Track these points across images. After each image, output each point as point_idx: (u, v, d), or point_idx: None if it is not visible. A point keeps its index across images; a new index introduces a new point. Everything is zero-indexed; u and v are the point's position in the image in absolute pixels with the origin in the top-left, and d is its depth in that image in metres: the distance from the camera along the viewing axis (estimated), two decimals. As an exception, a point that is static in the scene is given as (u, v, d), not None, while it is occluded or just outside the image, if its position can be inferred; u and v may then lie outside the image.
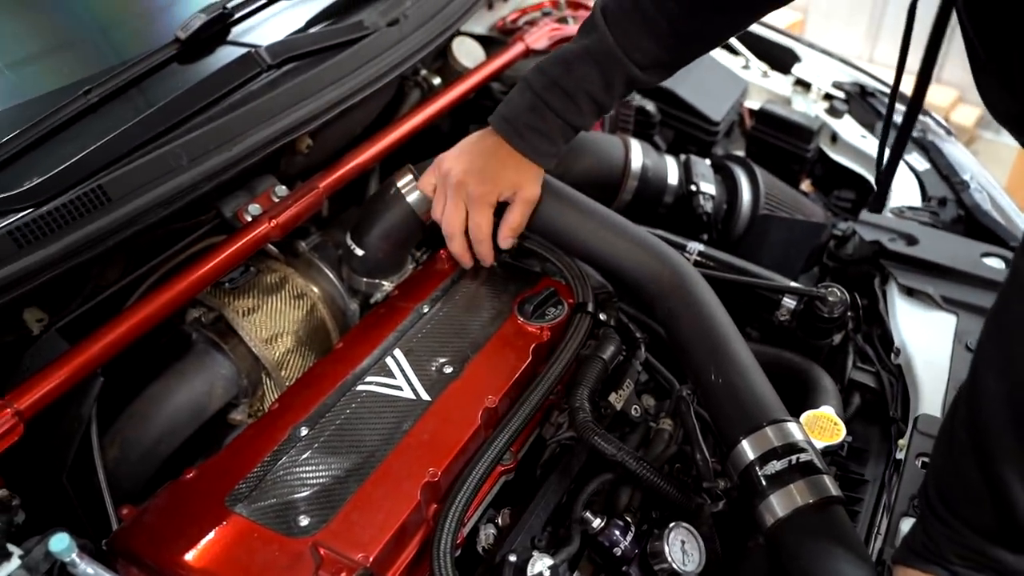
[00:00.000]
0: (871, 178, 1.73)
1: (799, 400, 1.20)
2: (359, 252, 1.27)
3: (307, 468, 0.96)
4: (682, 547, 0.99)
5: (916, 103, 1.15)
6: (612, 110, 1.54)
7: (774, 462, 0.95)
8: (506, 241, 1.21)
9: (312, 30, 1.41)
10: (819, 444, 1.07)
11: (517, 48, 1.65)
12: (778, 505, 0.93)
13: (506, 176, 1.17)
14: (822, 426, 1.11)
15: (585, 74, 1.12)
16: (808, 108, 1.86)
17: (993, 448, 0.77)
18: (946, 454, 0.85)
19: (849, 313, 1.30)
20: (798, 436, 0.98)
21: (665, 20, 1.09)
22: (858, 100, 1.85)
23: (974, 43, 0.83)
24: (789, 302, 1.30)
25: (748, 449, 0.97)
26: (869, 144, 1.76)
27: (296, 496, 0.93)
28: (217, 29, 1.33)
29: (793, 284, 1.31)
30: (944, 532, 0.84)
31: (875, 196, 1.45)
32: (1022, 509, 0.76)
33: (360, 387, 1.06)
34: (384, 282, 1.31)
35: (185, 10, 1.38)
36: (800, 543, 0.91)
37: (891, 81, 1.28)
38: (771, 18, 1.10)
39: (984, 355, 0.81)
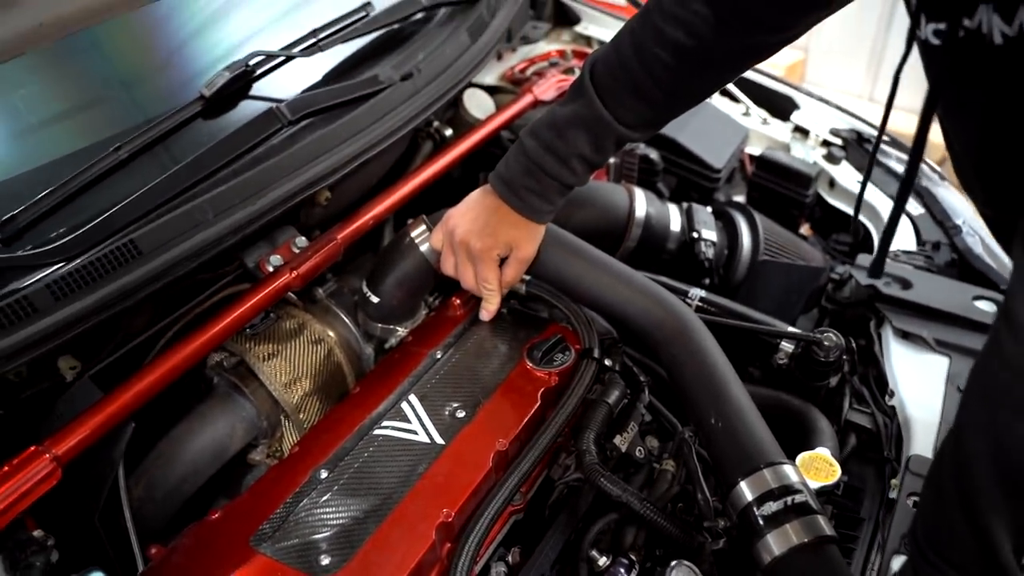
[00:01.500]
0: (868, 223, 1.78)
1: (797, 441, 1.24)
2: (374, 299, 1.33)
3: (328, 509, 1.01)
4: (684, 584, 1.04)
5: (911, 171, 1.21)
6: (613, 159, 1.61)
7: (771, 503, 1.00)
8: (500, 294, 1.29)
9: (330, 86, 1.47)
10: (815, 484, 1.12)
11: (526, 100, 1.72)
12: (774, 544, 0.97)
13: (505, 232, 1.23)
14: (818, 467, 1.16)
15: (576, 138, 1.18)
16: (807, 155, 1.92)
17: (980, 503, 0.81)
18: (934, 502, 0.90)
19: (844, 356, 1.35)
20: (793, 478, 1.02)
21: (652, 79, 1.13)
22: (855, 147, 1.91)
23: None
24: (787, 346, 1.35)
25: (746, 490, 1.02)
26: (867, 190, 1.82)
27: (317, 536, 0.97)
28: (240, 86, 1.40)
29: (790, 329, 1.36)
30: (932, 574, 0.88)
31: (875, 261, 1.50)
32: (1006, 558, 0.81)
33: (377, 431, 1.11)
34: (399, 328, 1.37)
35: (209, 66, 1.46)
36: (795, 580, 0.96)
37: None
38: (773, 57, 1.15)
39: (969, 413, 0.85)
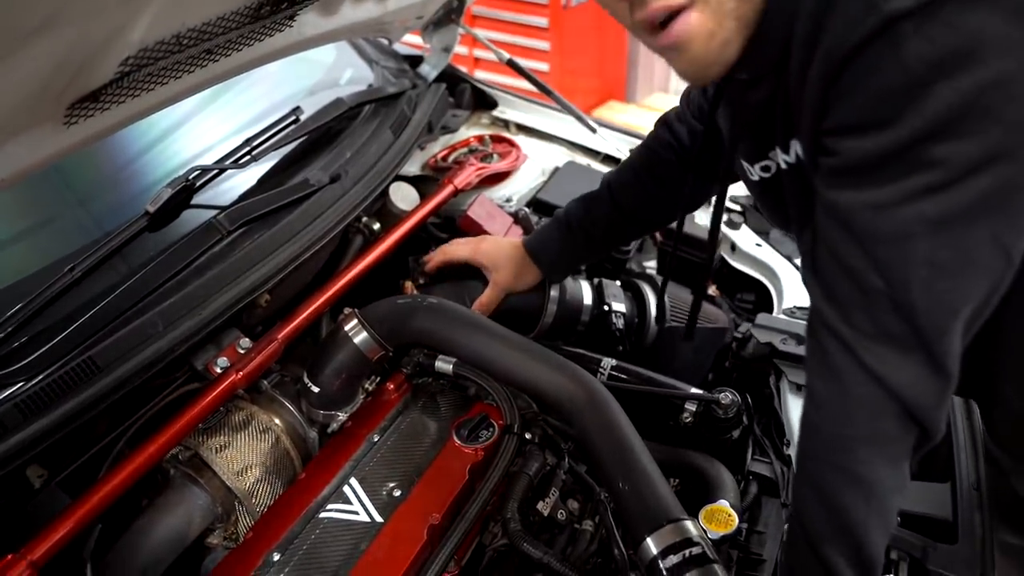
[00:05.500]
0: (767, 282, 1.96)
1: (702, 494, 1.39)
2: (315, 389, 1.45)
3: (281, 590, 1.13)
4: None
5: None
6: None
7: (672, 556, 1.13)
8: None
9: (264, 192, 1.59)
10: (716, 534, 1.27)
11: (447, 190, 1.88)
12: (677, 593, 1.12)
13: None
14: (719, 519, 1.31)
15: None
16: (707, 221, 2.09)
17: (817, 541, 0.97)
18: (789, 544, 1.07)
19: (743, 412, 1.51)
20: (692, 532, 1.16)
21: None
22: (752, 212, 2.09)
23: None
24: (690, 406, 1.50)
25: (652, 545, 1.15)
26: (764, 252, 1.99)
27: (273, 615, 1.10)
28: (182, 198, 1.52)
29: (692, 391, 1.51)
30: None
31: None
32: None
33: (323, 514, 1.24)
34: (339, 413, 1.48)
35: (156, 181, 1.59)
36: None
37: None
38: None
39: (798, 470, 1.04)
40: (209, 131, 1.86)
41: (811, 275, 0.96)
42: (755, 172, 1.13)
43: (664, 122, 1.54)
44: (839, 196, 0.87)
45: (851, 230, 0.86)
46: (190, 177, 1.52)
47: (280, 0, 1.15)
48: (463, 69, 2.46)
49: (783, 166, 1.03)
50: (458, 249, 1.70)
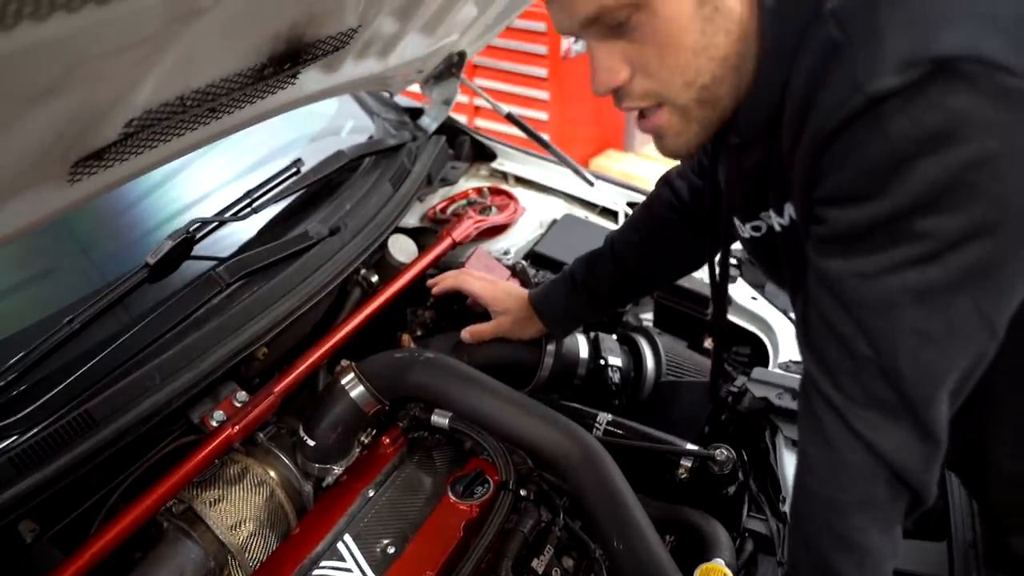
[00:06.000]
0: (763, 336, 1.97)
1: (697, 552, 1.39)
2: (311, 442, 1.45)
3: (273, 649, 1.12)
4: None
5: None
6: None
7: (667, 616, 1.14)
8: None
9: (264, 245, 1.60)
10: (711, 594, 1.27)
11: (445, 243, 1.89)
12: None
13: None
14: (714, 577, 1.30)
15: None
16: (706, 276, 2.11)
17: None
18: None
19: (739, 468, 1.51)
20: (687, 592, 1.17)
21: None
22: (748, 266, 2.10)
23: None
24: (686, 462, 1.50)
25: (646, 604, 1.16)
26: (759, 305, 2.00)
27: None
28: (182, 250, 1.53)
29: (688, 447, 1.51)
30: None
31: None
32: None
33: (316, 572, 1.23)
34: (334, 467, 1.48)
35: (156, 230, 1.60)
36: None
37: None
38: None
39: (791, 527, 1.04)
40: (210, 177, 1.88)
41: (803, 339, 0.97)
42: (746, 231, 1.15)
43: (665, 180, 1.56)
44: (829, 264, 0.88)
45: (840, 298, 0.87)
46: (190, 229, 1.54)
47: (283, 61, 1.18)
48: (463, 118, 2.49)
49: (777, 228, 1.05)
50: (472, 283, 1.71)
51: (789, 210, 1.02)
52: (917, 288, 0.81)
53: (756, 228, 1.12)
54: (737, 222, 1.16)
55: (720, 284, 1.36)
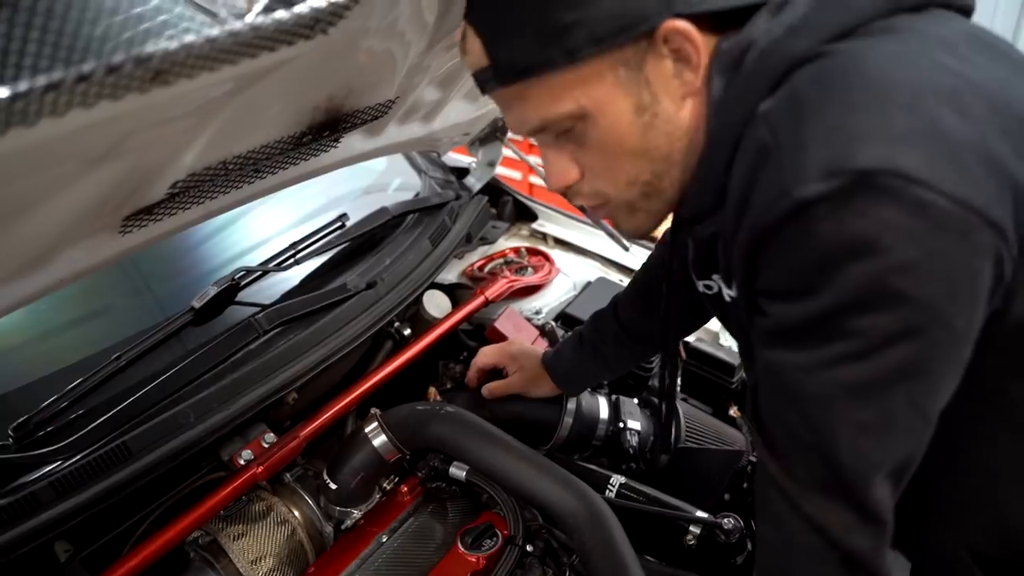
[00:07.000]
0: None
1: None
2: (333, 486, 1.52)
3: None
4: None
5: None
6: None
7: None
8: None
9: (303, 295, 1.69)
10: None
11: (478, 300, 1.96)
12: None
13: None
14: (714, 646, 1.33)
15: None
16: (733, 343, 2.14)
17: None
18: None
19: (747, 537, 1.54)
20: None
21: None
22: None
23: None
24: (695, 529, 1.54)
25: (643, 669, 1.19)
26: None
27: None
28: (225, 297, 1.63)
29: (697, 514, 1.54)
30: None
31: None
32: None
33: (326, 612, 1.29)
34: (354, 511, 1.55)
35: (203, 276, 1.71)
36: None
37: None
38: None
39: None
40: (261, 227, 1.99)
41: (753, 417, 1.00)
42: (700, 285, 1.19)
43: (663, 239, 1.60)
44: (772, 354, 0.91)
45: (784, 388, 0.90)
46: (235, 277, 1.63)
47: (322, 129, 1.27)
48: (517, 175, 2.55)
49: (727, 299, 1.08)
50: (487, 357, 1.77)
51: (735, 288, 1.06)
52: (852, 383, 0.84)
53: (708, 287, 1.16)
54: (693, 275, 1.20)
55: (670, 334, 1.38)
